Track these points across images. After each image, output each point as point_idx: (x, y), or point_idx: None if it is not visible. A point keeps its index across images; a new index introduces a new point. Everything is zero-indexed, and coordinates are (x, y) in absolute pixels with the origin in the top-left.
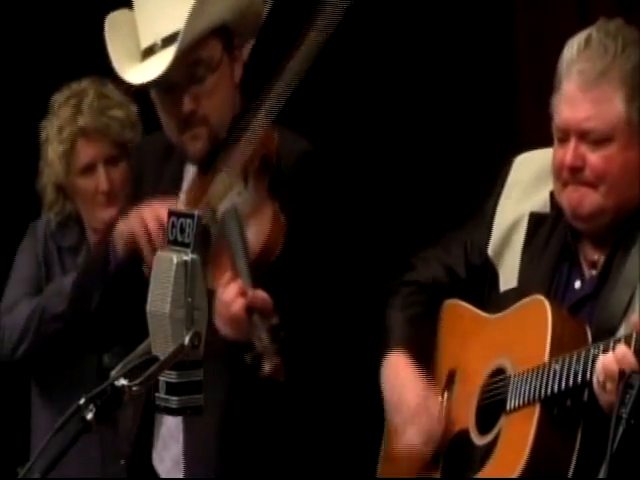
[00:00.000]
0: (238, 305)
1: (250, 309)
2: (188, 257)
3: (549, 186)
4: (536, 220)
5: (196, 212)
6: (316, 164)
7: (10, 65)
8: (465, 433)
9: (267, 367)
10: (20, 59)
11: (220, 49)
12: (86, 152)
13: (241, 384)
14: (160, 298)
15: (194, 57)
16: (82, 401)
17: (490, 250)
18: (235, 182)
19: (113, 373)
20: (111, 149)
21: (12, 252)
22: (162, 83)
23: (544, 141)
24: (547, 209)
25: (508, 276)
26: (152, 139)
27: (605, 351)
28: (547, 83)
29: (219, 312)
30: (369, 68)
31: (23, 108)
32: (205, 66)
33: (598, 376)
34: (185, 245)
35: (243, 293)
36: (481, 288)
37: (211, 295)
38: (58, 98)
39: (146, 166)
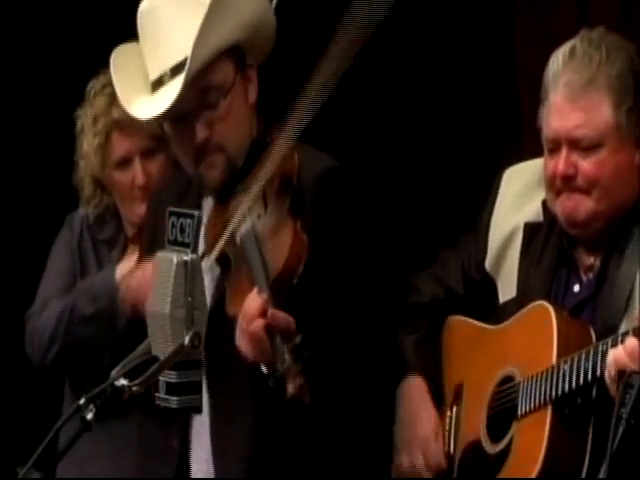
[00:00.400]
0: (257, 325)
1: (271, 329)
2: (188, 257)
3: (540, 195)
4: (531, 230)
5: (196, 212)
6: (338, 181)
7: (44, 51)
8: (477, 443)
9: (290, 388)
10: (54, 44)
11: (232, 70)
12: (121, 145)
13: (267, 408)
14: (160, 298)
15: (204, 82)
16: (82, 401)
17: (487, 264)
18: (254, 205)
19: (113, 373)
20: (147, 141)
21: (49, 244)
22: (173, 114)
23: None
24: (540, 218)
25: (507, 287)
26: (167, 182)
27: (614, 345)
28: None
29: (240, 333)
30: (368, 68)
31: (58, 94)
32: (217, 90)
33: (609, 370)
34: (185, 245)
35: (263, 313)
36: (480, 302)
37: (233, 321)
38: (95, 85)
39: (162, 212)
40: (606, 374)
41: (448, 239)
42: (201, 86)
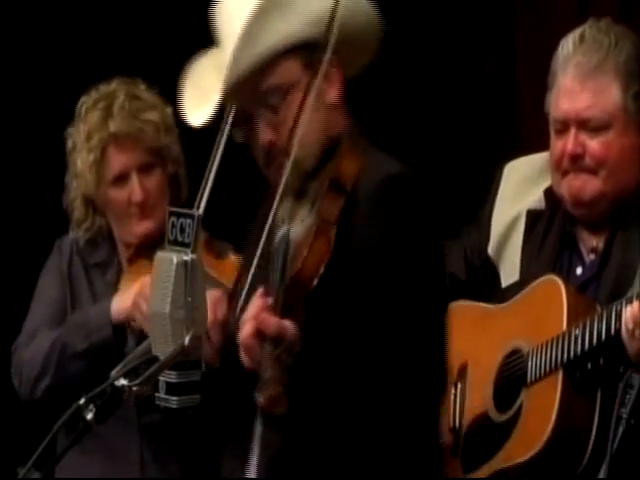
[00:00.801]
0: (246, 329)
1: (261, 335)
2: (188, 257)
3: (541, 185)
4: (533, 216)
5: (196, 212)
6: (396, 190)
7: (30, 69)
8: (484, 414)
9: (260, 399)
10: (41, 62)
11: (296, 70)
12: (118, 160)
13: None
14: (160, 298)
15: (264, 84)
16: (82, 401)
17: (490, 250)
18: (300, 208)
19: (113, 373)
20: (145, 156)
21: (36, 271)
22: (240, 118)
23: (544, 141)
24: (542, 205)
25: (509, 272)
26: None
27: (629, 303)
28: (547, 83)
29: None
30: (371, 68)
31: (45, 114)
32: (278, 92)
33: (627, 325)
34: (185, 245)
35: (255, 317)
36: (482, 288)
37: None
38: (86, 102)
39: None
40: (623, 331)
41: (450, 233)
42: (258, 87)
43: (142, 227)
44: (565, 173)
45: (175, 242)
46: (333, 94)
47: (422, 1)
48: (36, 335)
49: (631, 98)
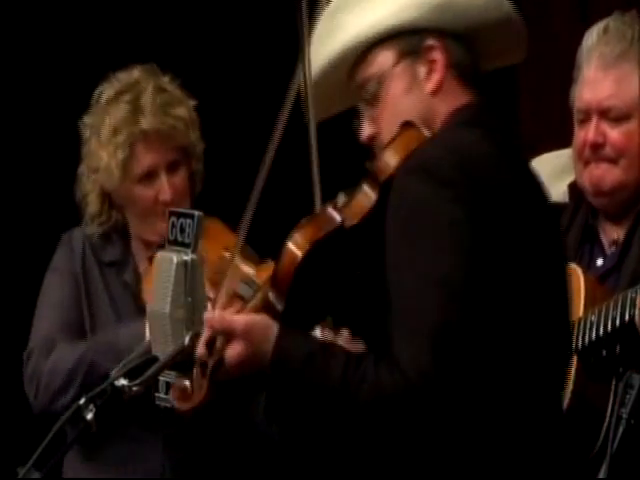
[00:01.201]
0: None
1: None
2: (188, 257)
3: (565, 180)
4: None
5: (196, 212)
6: (402, 180)
7: (37, 59)
8: None
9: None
10: (47, 51)
11: (392, 58)
12: (147, 157)
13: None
14: (160, 298)
15: (359, 77)
16: (82, 401)
17: None
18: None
19: (113, 373)
20: (174, 153)
21: (40, 268)
22: (359, 112)
23: (544, 141)
24: (567, 199)
25: None
26: None
27: None
28: (547, 83)
29: None
30: None
31: (46, 103)
32: (373, 83)
33: None
34: (185, 245)
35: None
36: None
37: None
38: (106, 91)
39: None
40: (637, 317)
41: None
42: (357, 81)
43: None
44: (587, 163)
45: (175, 242)
46: (433, 82)
47: None
48: (54, 345)
49: None
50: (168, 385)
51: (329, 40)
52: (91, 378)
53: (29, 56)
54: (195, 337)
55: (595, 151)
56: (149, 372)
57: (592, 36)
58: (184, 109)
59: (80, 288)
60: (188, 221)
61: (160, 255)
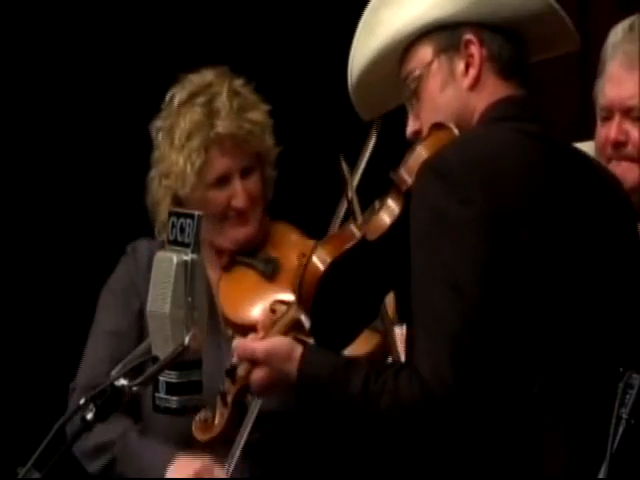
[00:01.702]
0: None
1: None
2: (188, 257)
3: None
4: None
5: (196, 212)
6: (419, 179)
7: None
8: None
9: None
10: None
11: (430, 53)
12: (221, 162)
13: None
14: (160, 298)
15: (402, 73)
16: (82, 401)
17: None
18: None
19: (113, 373)
20: (247, 159)
21: (97, 285)
22: (376, 113)
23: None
24: None
25: None
26: None
27: None
28: (547, 83)
29: None
30: None
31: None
32: (413, 79)
33: None
34: (185, 245)
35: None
36: None
37: None
38: (178, 94)
39: None
40: None
41: None
42: (402, 76)
43: (241, 233)
44: (608, 160)
45: (175, 242)
46: (470, 78)
47: None
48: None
49: None
50: (168, 385)
51: (370, 37)
52: (112, 472)
53: (99, 57)
54: (194, 337)
55: (617, 149)
56: (149, 372)
57: (617, 33)
58: (259, 113)
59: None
60: (188, 221)
61: (160, 255)
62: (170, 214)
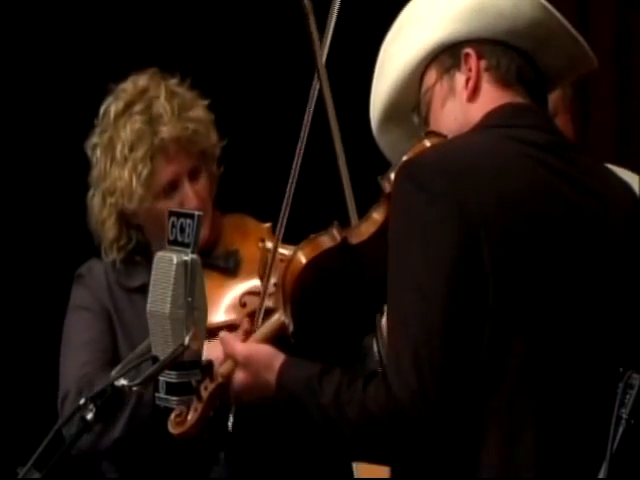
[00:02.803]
0: None
1: None
2: (188, 257)
3: None
4: None
5: (196, 212)
6: (395, 184)
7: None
8: None
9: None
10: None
11: (436, 75)
12: (168, 169)
13: None
14: (160, 298)
15: (417, 98)
16: (82, 401)
17: None
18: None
19: (113, 373)
20: (194, 159)
21: (49, 306)
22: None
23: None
24: None
25: None
26: None
27: None
28: None
29: None
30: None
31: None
32: (422, 106)
33: None
34: (185, 245)
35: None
36: None
37: None
38: (113, 105)
39: None
40: None
41: None
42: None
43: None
44: None
45: (175, 242)
46: (469, 89)
47: None
48: (92, 381)
49: (569, 87)
50: (168, 385)
51: (383, 74)
52: (138, 411)
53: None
54: (193, 337)
55: None
56: (149, 372)
57: None
58: (200, 110)
59: (113, 320)
60: (188, 221)
61: (160, 255)
62: (170, 214)
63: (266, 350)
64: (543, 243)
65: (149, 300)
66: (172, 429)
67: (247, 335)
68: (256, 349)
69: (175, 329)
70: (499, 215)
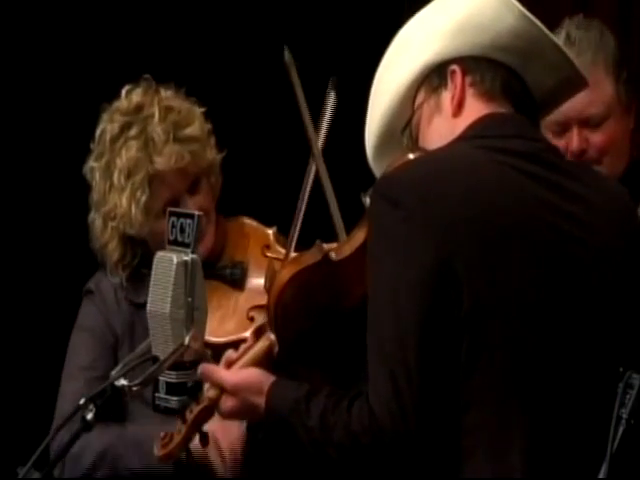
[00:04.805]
0: None
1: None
2: (188, 257)
3: None
4: None
5: (196, 212)
6: (371, 202)
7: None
8: None
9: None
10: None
11: (422, 97)
12: (168, 190)
13: None
14: (160, 298)
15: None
16: (82, 401)
17: None
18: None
19: (113, 373)
20: (193, 175)
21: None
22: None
23: None
24: None
25: None
26: None
27: None
28: None
29: None
30: (363, 69)
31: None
32: (413, 128)
33: None
34: (185, 245)
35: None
36: None
37: None
38: (108, 127)
39: None
40: None
41: None
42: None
43: (202, 247)
44: None
45: (175, 242)
46: (454, 105)
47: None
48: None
49: (622, 85)
50: (168, 385)
51: (376, 100)
52: (116, 469)
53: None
54: (193, 337)
55: (579, 157)
56: (149, 372)
57: None
58: (197, 125)
59: (118, 340)
60: (188, 221)
61: (160, 255)
62: (170, 214)
63: (255, 375)
64: (519, 248)
65: (149, 300)
66: (157, 452)
67: (230, 364)
68: (243, 377)
69: (175, 329)
70: (470, 225)
